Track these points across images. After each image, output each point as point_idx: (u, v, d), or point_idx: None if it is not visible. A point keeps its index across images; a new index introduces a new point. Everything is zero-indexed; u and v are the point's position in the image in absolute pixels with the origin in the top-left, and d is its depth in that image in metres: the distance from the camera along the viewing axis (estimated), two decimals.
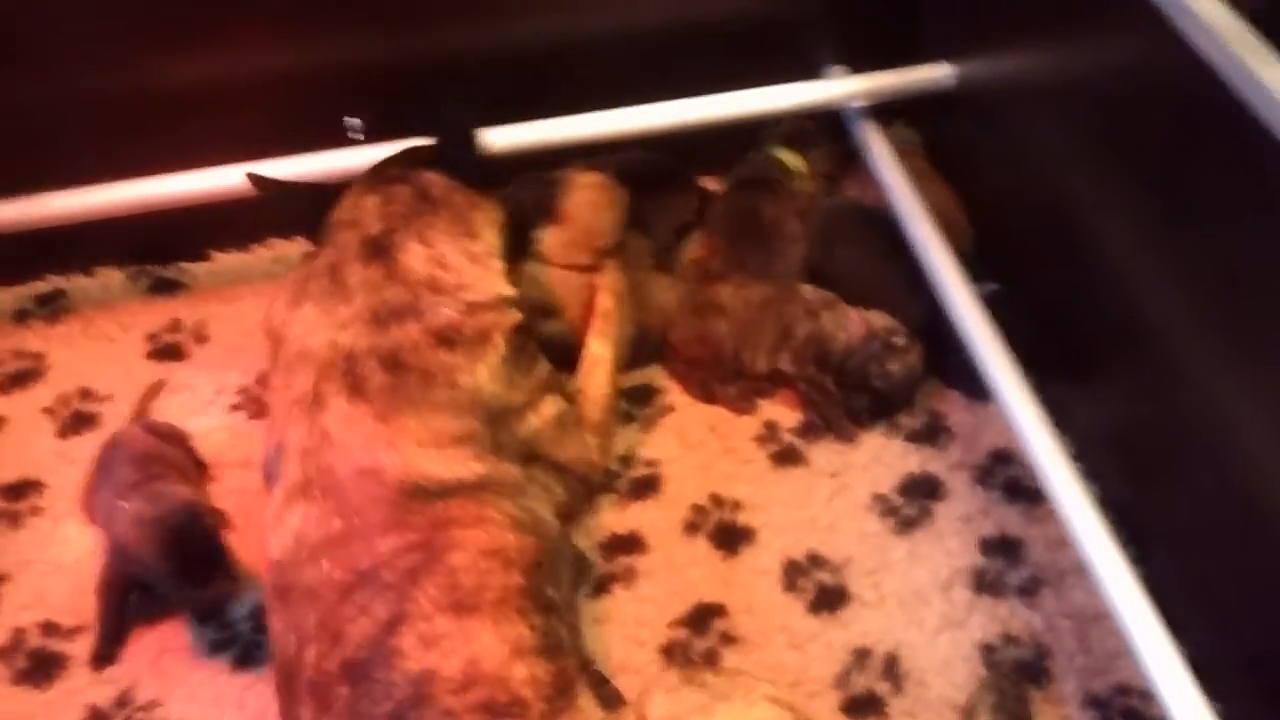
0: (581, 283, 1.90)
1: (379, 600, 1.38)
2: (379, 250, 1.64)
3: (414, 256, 1.63)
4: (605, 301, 1.88)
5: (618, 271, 1.92)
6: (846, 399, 1.85)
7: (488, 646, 1.35)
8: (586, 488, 1.72)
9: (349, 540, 1.42)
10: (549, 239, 1.92)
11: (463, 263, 1.65)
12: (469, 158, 1.83)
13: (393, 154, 1.84)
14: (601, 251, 1.93)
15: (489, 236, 1.73)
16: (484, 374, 1.57)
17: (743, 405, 1.89)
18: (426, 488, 1.45)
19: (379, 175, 1.78)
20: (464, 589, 1.39)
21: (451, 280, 1.63)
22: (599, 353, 1.83)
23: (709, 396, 1.90)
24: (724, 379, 1.90)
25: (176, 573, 1.56)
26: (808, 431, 1.85)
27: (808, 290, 1.93)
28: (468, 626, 1.36)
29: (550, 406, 1.68)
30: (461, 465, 1.49)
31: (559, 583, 1.52)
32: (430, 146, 1.83)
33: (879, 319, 1.88)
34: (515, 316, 1.66)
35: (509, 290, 1.68)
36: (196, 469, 1.79)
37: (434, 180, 1.74)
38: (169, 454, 1.73)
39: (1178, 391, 1.57)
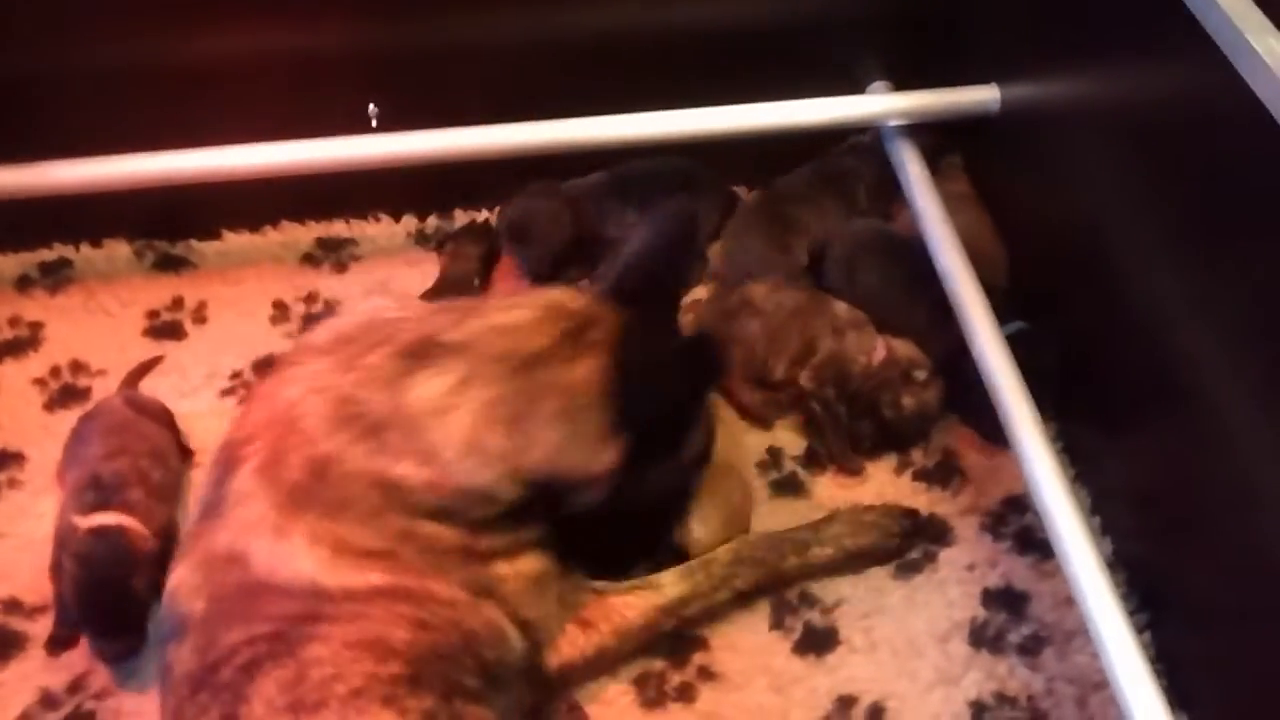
0: None
1: (215, 701, 1.26)
2: (419, 354, 1.40)
3: (427, 392, 1.38)
4: (722, 556, 1.58)
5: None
6: (852, 425, 1.77)
7: None
8: (537, 655, 1.46)
9: (207, 625, 1.31)
10: None
11: (460, 439, 1.37)
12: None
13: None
14: None
15: (549, 439, 1.40)
16: (426, 525, 1.36)
17: (763, 412, 1.81)
18: (293, 588, 1.31)
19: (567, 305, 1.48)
20: (309, 683, 1.25)
21: (428, 446, 1.36)
22: (668, 590, 1.54)
23: (729, 396, 1.82)
24: (749, 380, 1.82)
25: (84, 622, 1.51)
26: (811, 461, 1.76)
27: (841, 308, 1.85)
28: None
29: (531, 563, 1.44)
30: (354, 574, 1.31)
31: (492, 679, 1.37)
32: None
33: (905, 349, 1.80)
34: (498, 508, 1.40)
35: (506, 494, 1.39)
36: (178, 451, 1.74)
37: (543, 339, 1.43)
38: (147, 431, 1.68)
39: (1209, 450, 1.47)
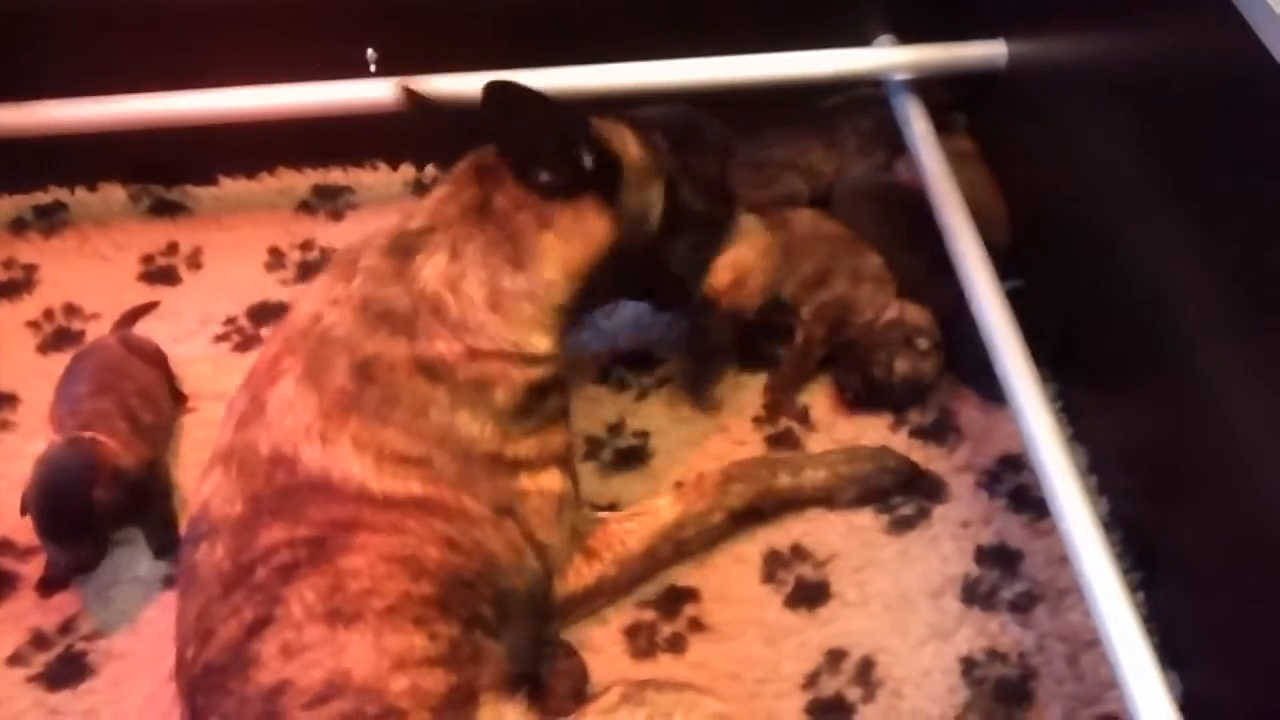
0: None
1: (249, 600, 1.27)
2: (404, 247, 1.47)
3: (433, 266, 1.45)
4: (712, 476, 1.60)
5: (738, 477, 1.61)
6: (841, 374, 1.77)
7: (361, 657, 1.23)
8: (545, 581, 1.48)
9: (243, 527, 1.32)
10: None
11: (480, 296, 1.44)
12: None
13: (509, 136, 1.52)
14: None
15: (545, 272, 1.48)
16: (465, 417, 1.41)
17: (780, 385, 1.79)
18: (342, 489, 1.33)
19: (476, 163, 1.55)
20: (346, 594, 1.26)
21: (455, 313, 1.43)
22: (663, 513, 1.56)
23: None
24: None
25: (36, 522, 1.49)
26: (806, 418, 1.76)
27: (873, 260, 1.84)
28: (340, 637, 1.24)
29: (553, 480, 1.47)
30: (396, 481, 1.35)
31: (504, 613, 1.39)
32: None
33: (916, 315, 1.78)
34: (531, 374, 1.46)
35: (535, 345, 1.47)
36: (171, 394, 1.73)
37: (507, 189, 1.50)
38: (137, 371, 1.67)
39: (1206, 410, 1.46)
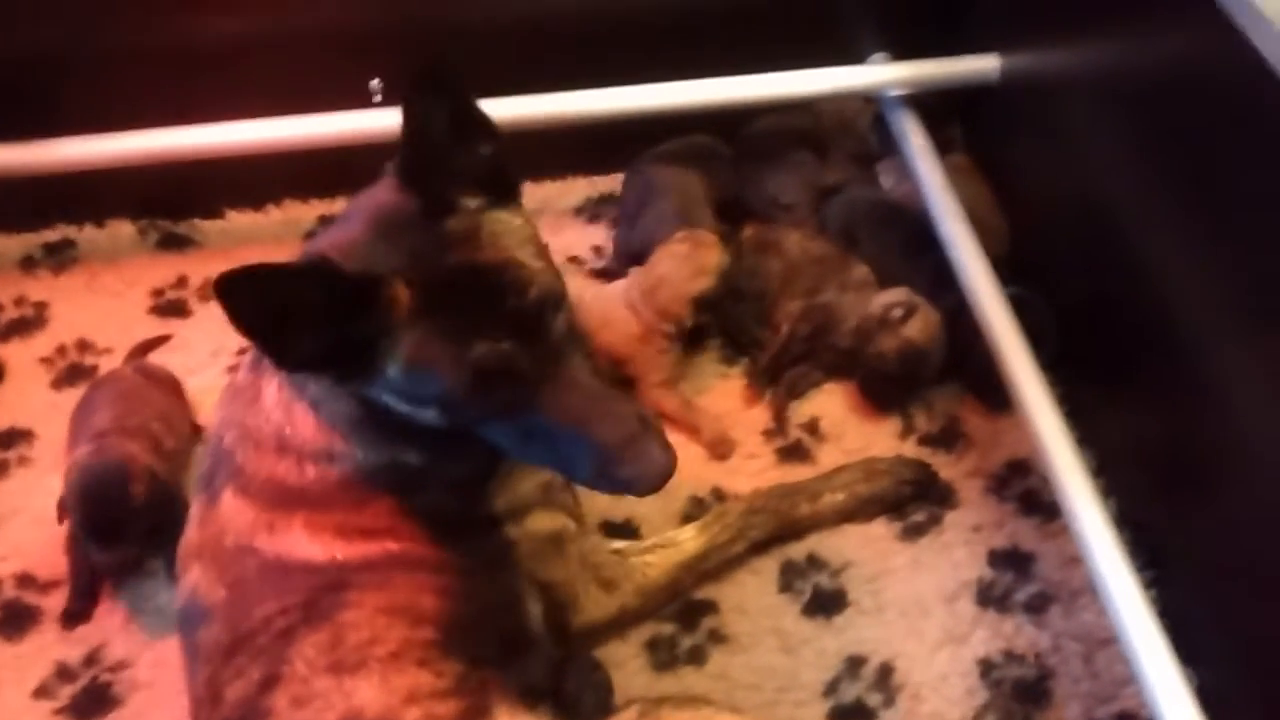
0: (657, 350, 1.79)
1: (255, 662, 1.28)
2: (258, 364, 1.35)
3: (270, 391, 1.33)
4: (735, 507, 1.62)
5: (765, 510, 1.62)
6: (810, 366, 1.82)
7: (371, 698, 1.25)
8: (562, 615, 1.47)
9: (234, 606, 1.32)
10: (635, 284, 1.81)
11: (309, 422, 1.31)
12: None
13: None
14: (682, 321, 1.79)
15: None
16: (416, 497, 1.34)
17: (760, 355, 1.84)
18: (314, 564, 1.31)
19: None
20: (347, 646, 1.27)
21: (305, 440, 1.31)
22: (686, 545, 1.56)
23: (738, 330, 1.87)
24: (759, 320, 1.87)
25: (82, 526, 1.52)
26: (815, 429, 1.78)
27: (860, 271, 1.87)
28: (346, 684, 1.25)
29: (539, 521, 1.43)
30: (369, 545, 1.31)
31: (515, 647, 1.38)
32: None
33: (886, 295, 1.81)
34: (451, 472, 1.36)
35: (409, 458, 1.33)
36: (186, 421, 1.75)
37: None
38: (155, 398, 1.69)
39: (1210, 409, 1.48)
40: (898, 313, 1.75)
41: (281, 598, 1.30)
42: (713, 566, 1.58)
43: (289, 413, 1.32)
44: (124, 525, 1.51)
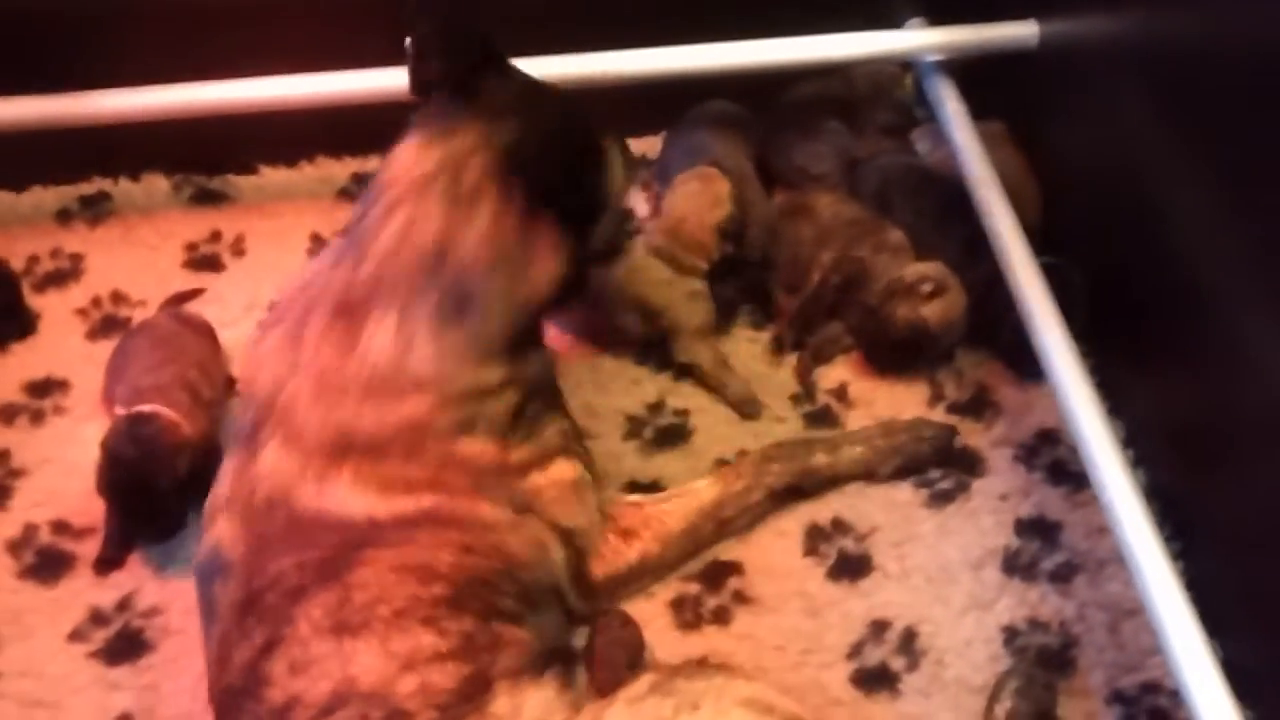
0: (687, 290, 1.80)
1: (260, 624, 1.30)
2: (351, 309, 1.40)
3: (383, 333, 1.39)
4: (751, 456, 1.64)
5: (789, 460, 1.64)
6: (831, 323, 1.82)
7: (368, 665, 1.26)
8: (583, 565, 1.50)
9: (252, 561, 1.34)
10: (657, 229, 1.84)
11: (429, 354, 1.38)
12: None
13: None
14: (710, 253, 1.81)
15: (493, 319, 1.42)
16: (462, 441, 1.39)
17: (790, 321, 1.84)
18: (347, 520, 1.33)
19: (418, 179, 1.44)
20: (353, 606, 1.28)
21: (410, 376, 1.38)
22: (703, 493, 1.59)
23: (766, 299, 1.88)
24: (790, 286, 1.86)
25: (114, 504, 1.55)
26: (842, 395, 1.78)
27: (895, 234, 1.86)
28: (346, 647, 1.26)
29: (563, 469, 1.48)
30: (406, 501, 1.35)
31: (530, 600, 1.41)
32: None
33: (923, 266, 1.80)
34: (500, 404, 1.43)
35: (489, 379, 1.42)
36: (222, 371, 1.76)
37: (457, 224, 1.41)
38: (192, 346, 1.71)
39: (1242, 380, 1.48)
40: (926, 287, 1.75)
41: (300, 553, 1.32)
42: (731, 515, 1.59)
43: (408, 343, 1.37)
44: (160, 507, 1.53)
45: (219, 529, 1.39)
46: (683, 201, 1.84)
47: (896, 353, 1.78)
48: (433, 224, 1.40)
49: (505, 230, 1.42)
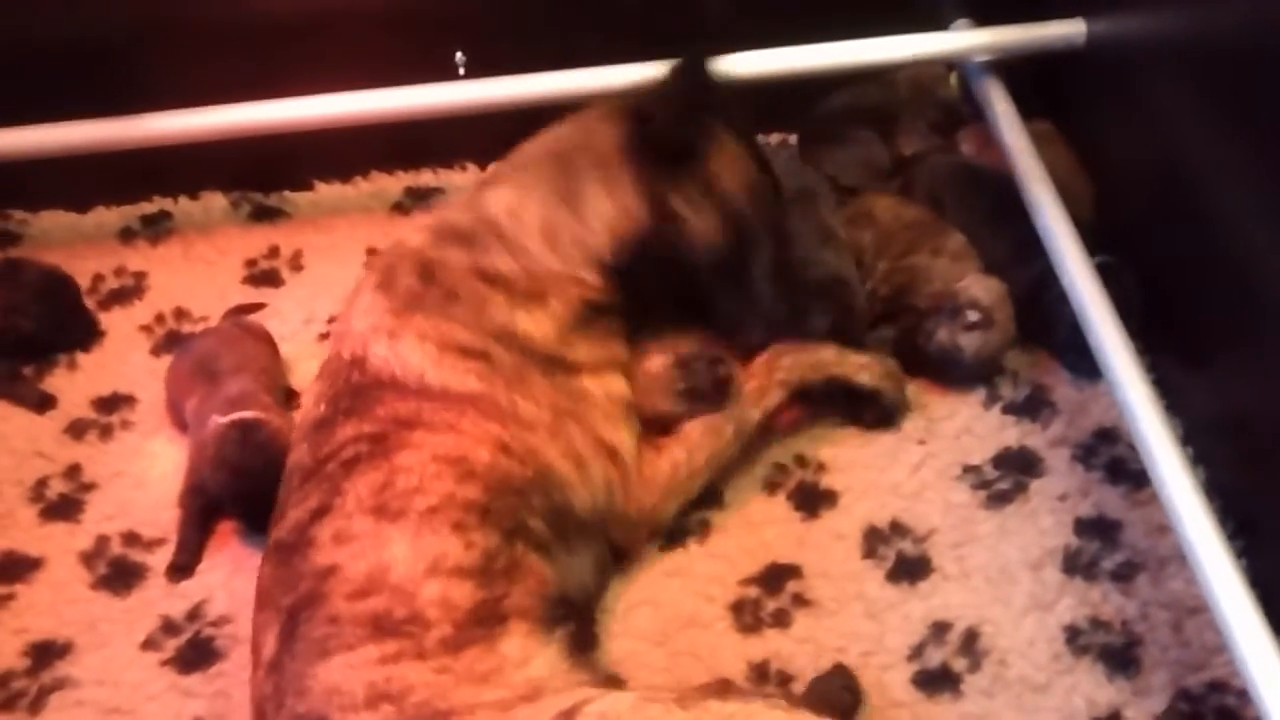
0: None
1: (317, 489, 1.39)
2: (484, 181, 1.66)
3: (499, 197, 1.60)
4: (760, 360, 1.68)
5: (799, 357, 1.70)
6: (895, 338, 1.82)
7: (399, 556, 1.33)
8: (626, 482, 1.55)
9: (324, 426, 1.45)
10: None
11: (535, 226, 1.57)
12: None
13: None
14: None
15: (593, 222, 1.57)
16: (523, 316, 1.52)
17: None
18: (405, 383, 1.44)
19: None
20: (395, 490, 1.37)
21: (512, 237, 1.56)
22: (724, 423, 1.63)
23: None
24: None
25: (234, 505, 1.60)
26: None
27: (956, 239, 1.86)
28: (383, 530, 1.34)
29: (618, 384, 1.57)
30: (454, 375, 1.46)
31: (560, 530, 1.46)
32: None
33: (980, 290, 1.76)
34: (586, 293, 1.56)
35: (585, 275, 1.56)
36: (282, 377, 1.81)
37: (574, 133, 1.64)
38: (254, 351, 1.76)
39: None
40: (973, 316, 1.72)
41: (361, 423, 1.42)
42: (753, 416, 1.64)
43: (520, 207, 1.57)
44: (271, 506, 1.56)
45: (311, 391, 1.53)
46: None
47: (926, 368, 1.78)
48: (570, 134, 1.65)
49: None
